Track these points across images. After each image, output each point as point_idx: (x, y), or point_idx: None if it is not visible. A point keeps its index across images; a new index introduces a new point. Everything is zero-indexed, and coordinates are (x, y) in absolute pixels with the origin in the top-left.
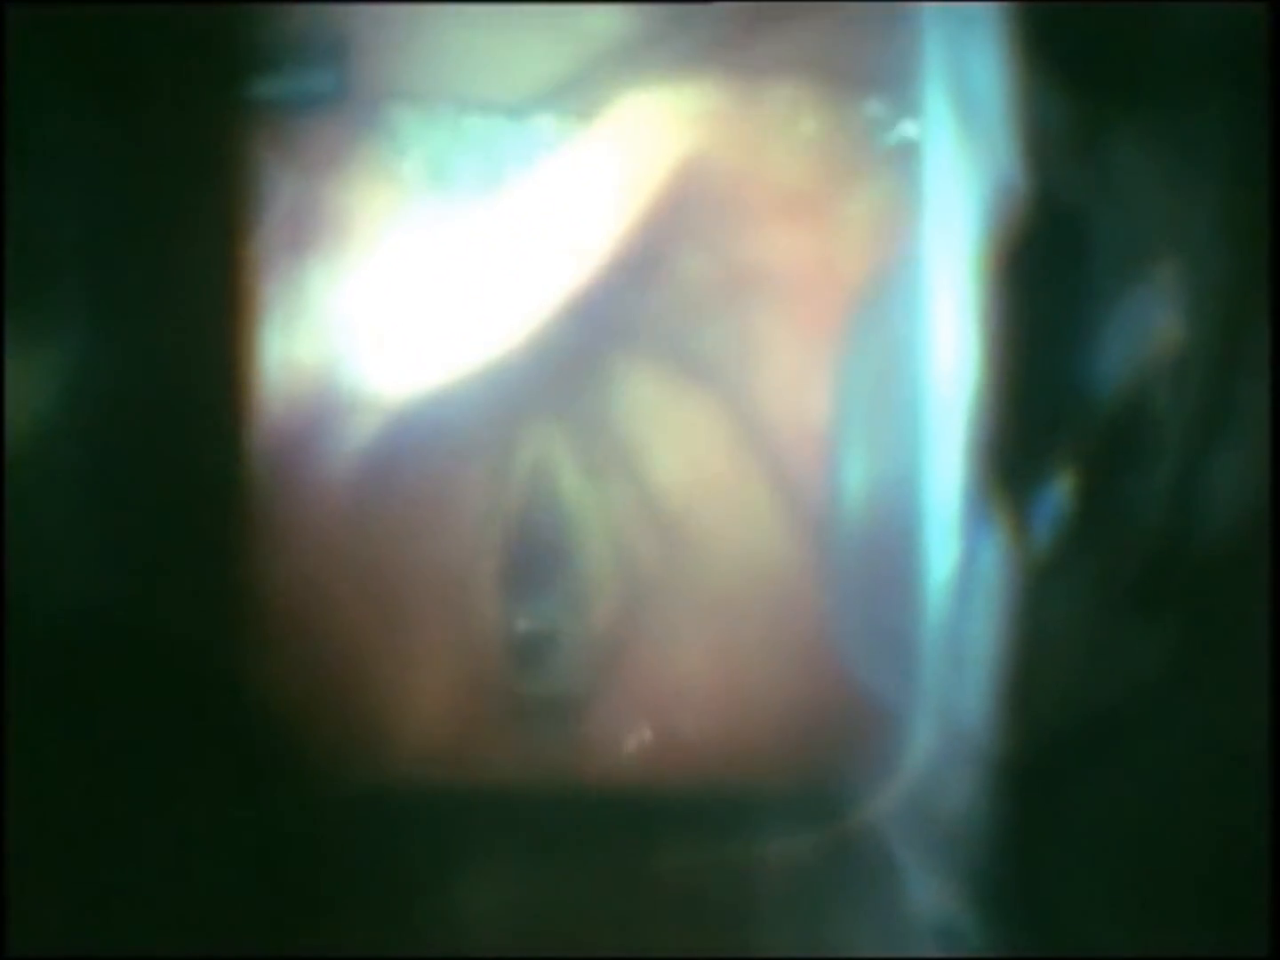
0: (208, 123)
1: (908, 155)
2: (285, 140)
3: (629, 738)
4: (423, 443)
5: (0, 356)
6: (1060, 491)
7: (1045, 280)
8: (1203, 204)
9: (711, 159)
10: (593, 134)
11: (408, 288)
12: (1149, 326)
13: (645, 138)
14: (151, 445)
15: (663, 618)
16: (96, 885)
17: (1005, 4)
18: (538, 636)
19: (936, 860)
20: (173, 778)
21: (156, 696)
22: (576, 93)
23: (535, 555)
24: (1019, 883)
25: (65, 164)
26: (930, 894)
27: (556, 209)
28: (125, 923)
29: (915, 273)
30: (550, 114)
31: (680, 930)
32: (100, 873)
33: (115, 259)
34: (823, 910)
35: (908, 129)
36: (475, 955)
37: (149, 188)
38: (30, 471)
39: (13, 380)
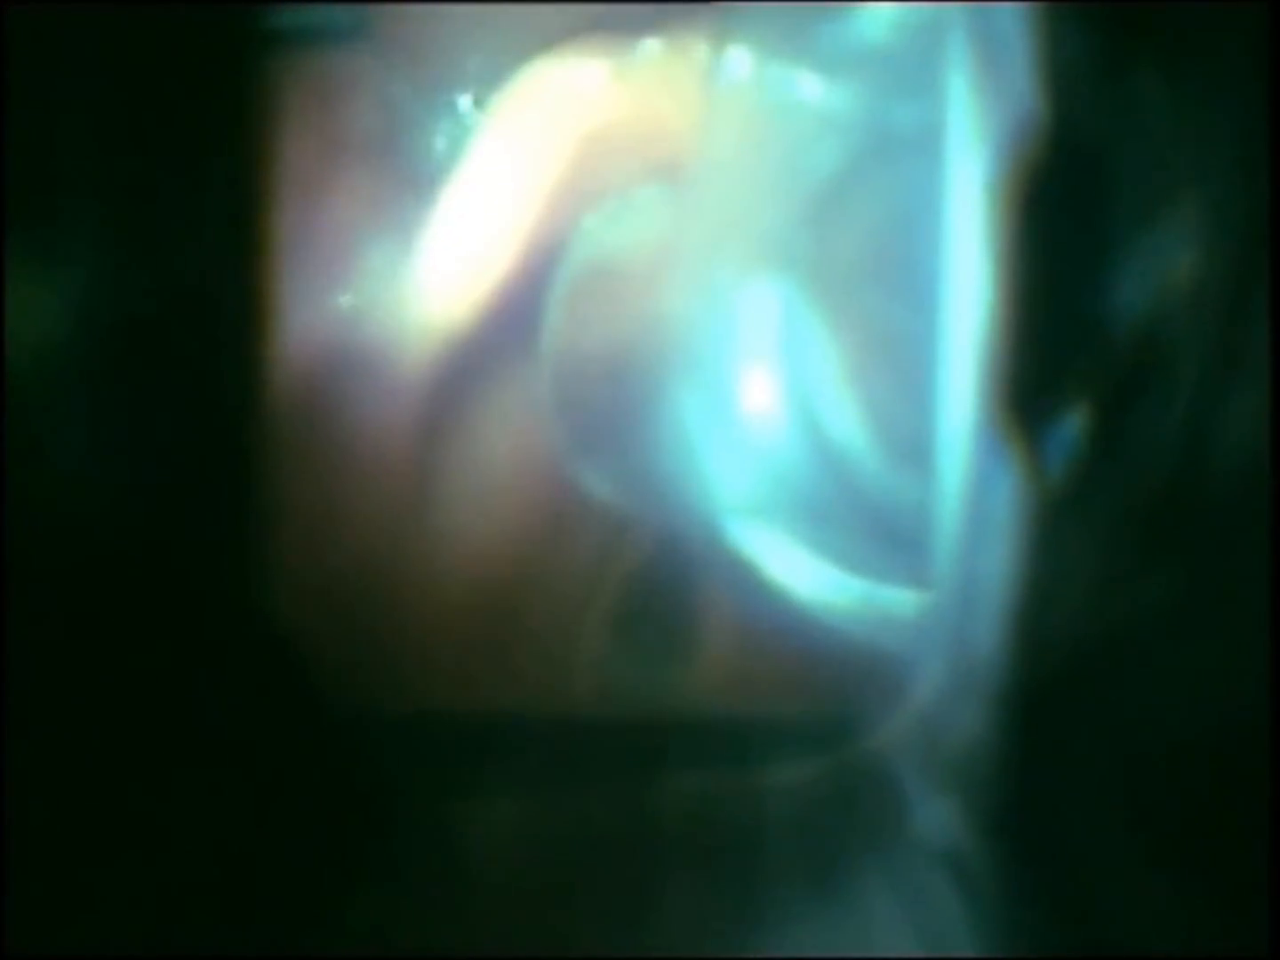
0: (227, 52)
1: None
2: (305, 72)
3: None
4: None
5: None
6: (1074, 426)
7: (1063, 214)
8: (1223, 140)
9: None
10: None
11: (432, 218)
12: (1166, 262)
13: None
14: (166, 370)
15: None
16: (103, 822)
17: None
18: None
19: (945, 789)
20: (187, 711)
21: (171, 628)
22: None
23: None
24: (1025, 812)
25: (80, 89)
26: (937, 822)
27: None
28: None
29: (934, 204)
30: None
31: (689, 856)
32: (109, 815)
33: (130, 184)
34: (830, 837)
35: None
36: (479, 881)
37: (166, 114)
38: (40, 394)
39: (23, 302)
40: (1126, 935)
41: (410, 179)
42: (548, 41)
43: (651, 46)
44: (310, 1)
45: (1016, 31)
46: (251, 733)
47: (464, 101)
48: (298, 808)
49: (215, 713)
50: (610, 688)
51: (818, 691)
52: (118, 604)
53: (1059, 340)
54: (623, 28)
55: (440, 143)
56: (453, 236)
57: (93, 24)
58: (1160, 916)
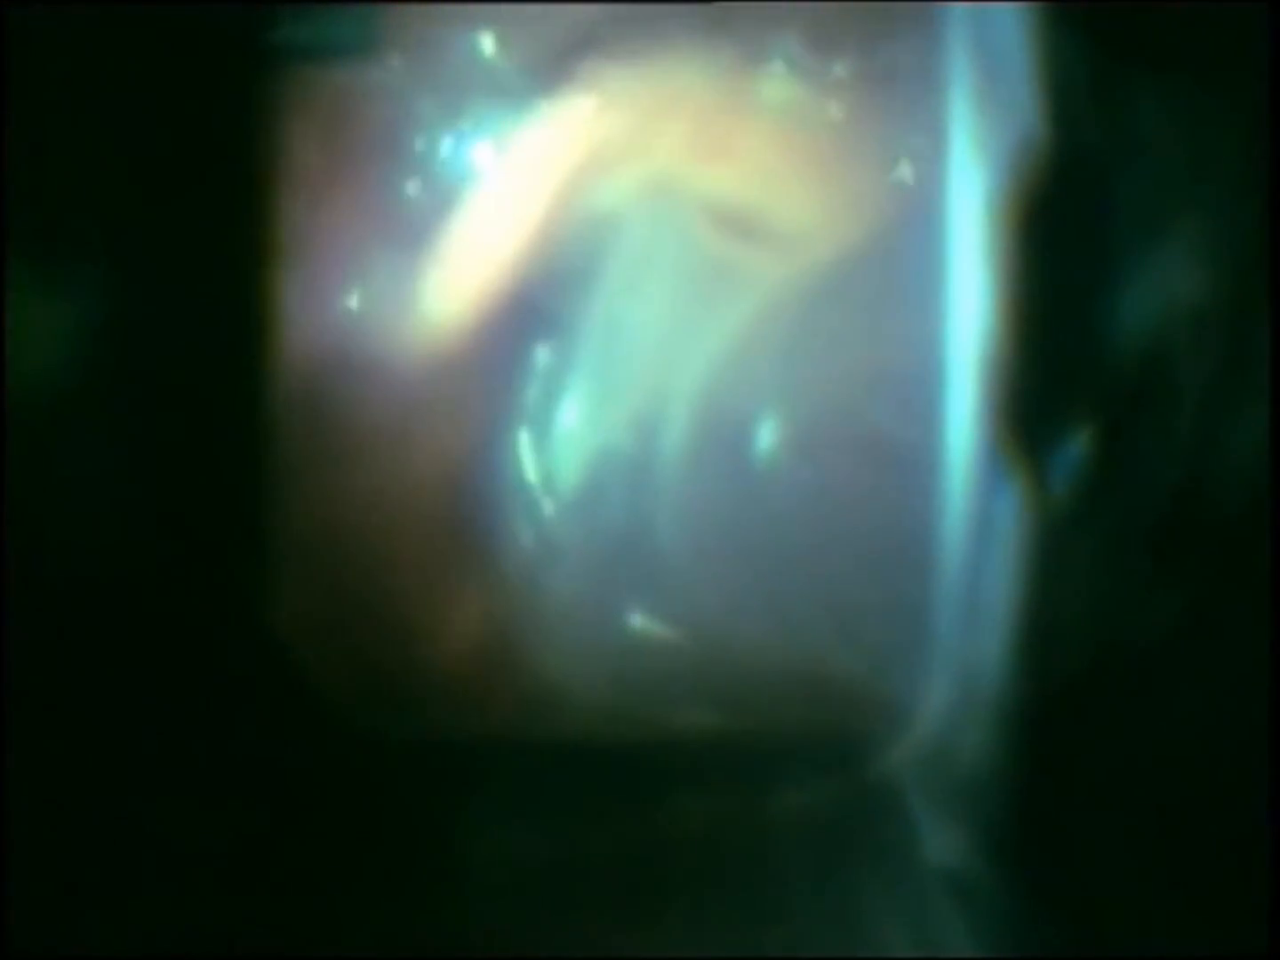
0: (232, 70)
1: None
2: (310, 89)
3: None
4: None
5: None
6: (1077, 445)
7: (1065, 233)
8: (1223, 158)
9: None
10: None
11: (432, 232)
12: (1168, 280)
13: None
14: (172, 388)
15: None
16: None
17: None
18: None
19: (951, 810)
20: (195, 724)
21: (178, 648)
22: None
23: None
24: (1032, 833)
25: (83, 107)
26: (944, 843)
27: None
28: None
29: (936, 223)
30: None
31: (698, 878)
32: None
33: (135, 204)
34: (838, 859)
35: None
36: (489, 906)
37: (170, 133)
38: (47, 414)
39: (27, 318)
40: (1132, 955)
41: (418, 190)
42: (556, 57)
43: (654, 65)
44: (318, 9)
45: (1017, 50)
46: (257, 755)
47: (472, 116)
48: (302, 830)
49: (222, 734)
50: (614, 711)
51: (824, 714)
52: (126, 626)
53: (1062, 360)
54: (627, 42)
55: (447, 155)
56: (459, 249)
57: (100, 40)
58: (1166, 937)
